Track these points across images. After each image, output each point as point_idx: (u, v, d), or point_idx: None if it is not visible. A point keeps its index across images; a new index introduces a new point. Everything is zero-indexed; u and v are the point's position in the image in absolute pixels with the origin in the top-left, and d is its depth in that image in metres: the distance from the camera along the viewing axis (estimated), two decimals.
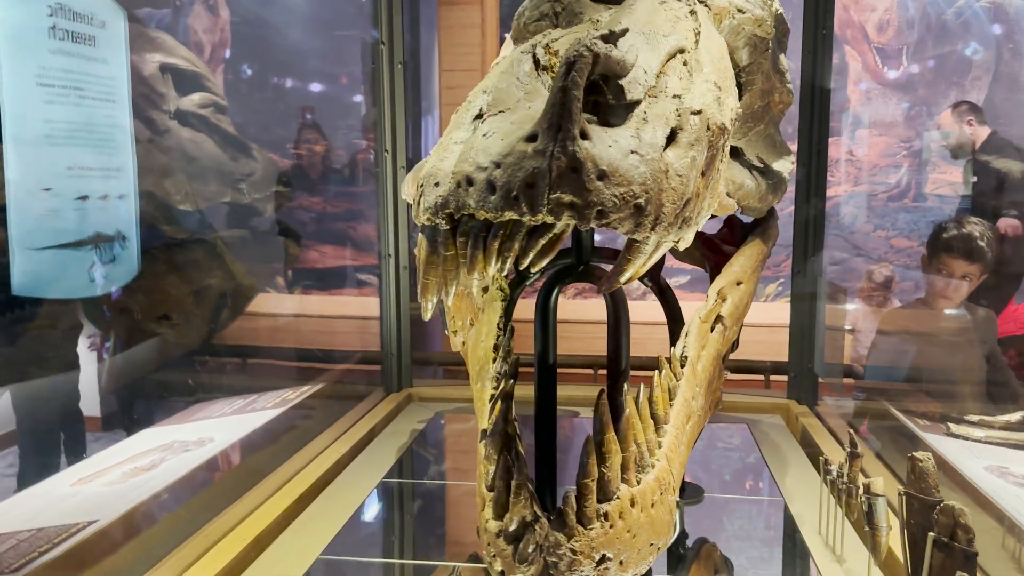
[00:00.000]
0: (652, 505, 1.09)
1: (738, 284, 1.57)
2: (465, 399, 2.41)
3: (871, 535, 1.20)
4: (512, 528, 1.01)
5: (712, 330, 1.49)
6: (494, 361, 1.42)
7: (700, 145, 0.91)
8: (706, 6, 1.36)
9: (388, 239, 2.37)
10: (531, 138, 0.81)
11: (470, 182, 0.85)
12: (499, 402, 1.20)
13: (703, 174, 0.93)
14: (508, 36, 1.64)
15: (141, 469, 1.63)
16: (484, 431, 1.26)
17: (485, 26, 4.76)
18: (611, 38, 0.84)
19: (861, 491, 1.22)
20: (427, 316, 1.04)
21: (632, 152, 0.83)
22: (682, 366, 1.37)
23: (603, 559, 1.01)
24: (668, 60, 0.95)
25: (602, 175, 0.81)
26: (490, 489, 1.08)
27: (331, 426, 2.09)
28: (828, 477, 1.42)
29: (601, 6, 1.32)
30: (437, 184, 0.89)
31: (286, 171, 2.20)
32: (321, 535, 1.49)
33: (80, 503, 1.46)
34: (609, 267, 1.41)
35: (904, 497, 1.02)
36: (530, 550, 1.00)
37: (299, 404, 2.09)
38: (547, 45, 0.97)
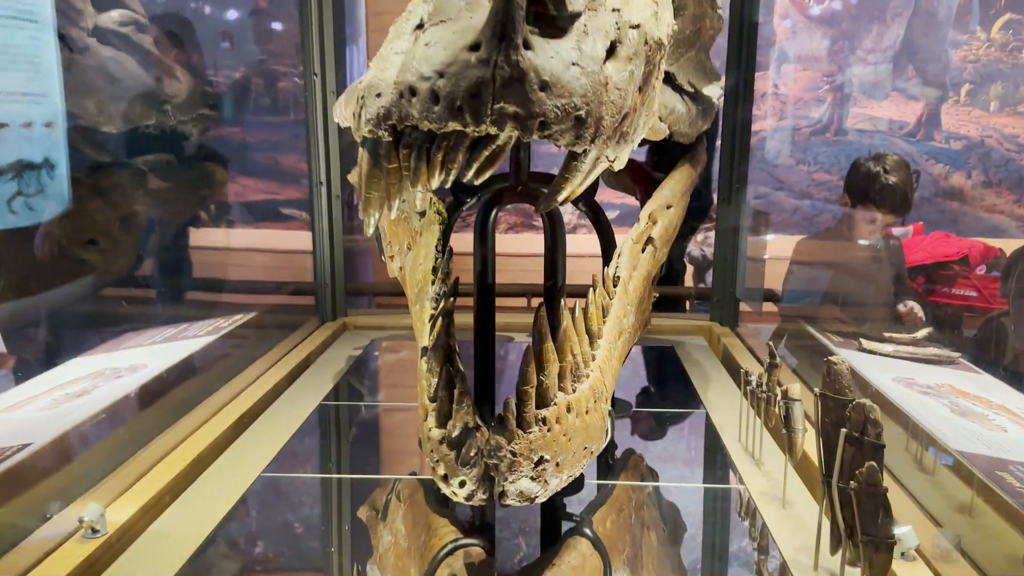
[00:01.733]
0: (586, 412, 1.15)
1: (668, 207, 1.62)
2: (401, 327, 2.43)
3: (788, 437, 1.28)
4: (455, 435, 1.05)
5: (643, 251, 1.55)
6: (433, 283, 1.44)
7: (638, 59, 0.93)
8: None
9: (319, 166, 2.34)
10: (474, 47, 0.82)
11: (413, 92, 0.85)
12: (440, 319, 1.23)
13: (640, 89, 0.96)
14: None
15: (73, 395, 1.60)
16: (425, 348, 1.29)
17: None
18: None
19: (779, 397, 1.29)
20: (369, 231, 1.05)
21: (573, 64, 0.85)
22: (615, 285, 1.43)
23: (541, 460, 1.06)
24: None
25: (544, 86, 0.83)
26: (432, 400, 1.11)
27: (266, 353, 2.09)
28: (748, 388, 1.50)
29: None
30: (379, 95, 0.89)
31: (212, 94, 2.14)
32: (262, 455, 1.51)
33: (11, 428, 1.43)
34: (547, 190, 1.44)
35: (820, 398, 1.09)
36: (472, 454, 1.04)
37: (232, 332, 2.08)
38: None
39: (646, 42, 0.95)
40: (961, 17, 4.82)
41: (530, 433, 1.04)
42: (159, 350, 1.92)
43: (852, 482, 0.99)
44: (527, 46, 0.82)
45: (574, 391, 1.13)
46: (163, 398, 1.72)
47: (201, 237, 2.31)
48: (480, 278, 1.36)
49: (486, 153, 0.87)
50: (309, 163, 2.36)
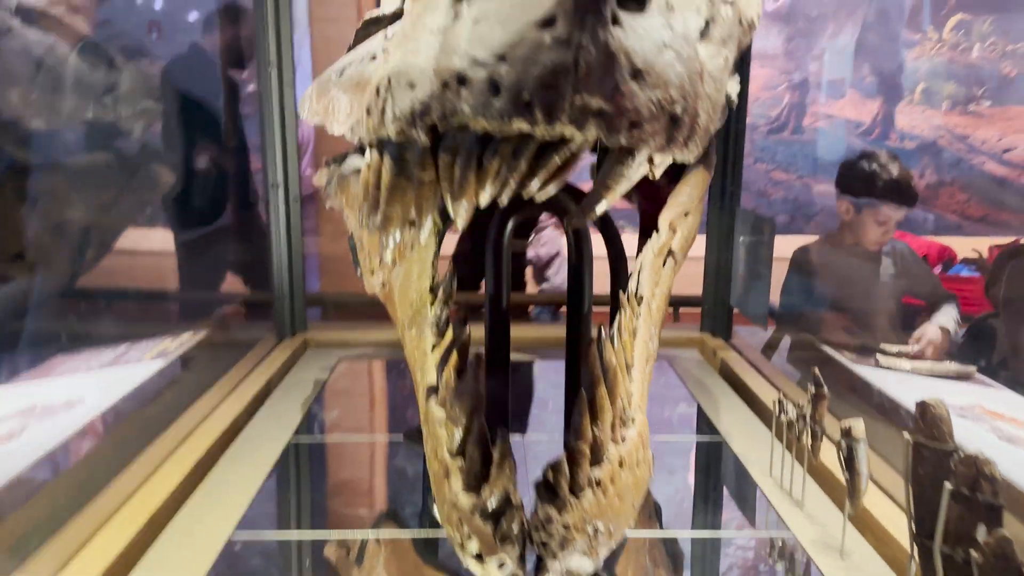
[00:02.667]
0: (637, 463, 0.97)
1: (686, 215, 1.45)
2: (367, 342, 2.22)
3: (850, 482, 1.13)
4: (494, 505, 0.85)
5: (664, 265, 1.38)
6: (432, 305, 1.25)
7: (732, 43, 0.76)
8: None
9: (276, 166, 2.11)
10: (547, 23, 0.63)
11: (463, 82, 0.66)
12: (456, 353, 1.03)
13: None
14: None
15: None
16: (432, 388, 1.09)
17: None
18: None
19: (840, 436, 1.14)
20: (388, 256, 0.86)
21: (666, 46, 0.67)
22: (639, 304, 1.26)
23: (594, 531, 0.88)
24: None
25: (637, 74, 0.64)
26: (458, 455, 0.92)
27: (220, 378, 1.84)
28: (784, 417, 1.34)
29: None
30: (412, 85, 0.70)
31: (156, 84, 1.88)
32: (230, 511, 1.29)
33: None
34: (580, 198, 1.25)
35: (912, 446, 0.94)
36: (515, 529, 0.85)
37: (181, 355, 1.84)
38: None
39: (740, 22, 0.77)
40: (914, 17, 4.81)
41: (584, 500, 0.86)
42: (98, 379, 1.67)
43: (973, 551, 0.84)
44: (615, 21, 0.63)
45: (623, 440, 0.96)
46: (105, 441, 1.48)
47: (143, 244, 2.05)
48: (494, 302, 1.17)
49: (557, 160, 0.69)
50: (264, 162, 2.13)
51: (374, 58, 1.45)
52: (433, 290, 1.27)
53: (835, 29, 4.83)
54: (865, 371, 1.74)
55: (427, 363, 1.18)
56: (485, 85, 0.65)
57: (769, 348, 2.29)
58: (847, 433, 1.13)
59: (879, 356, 1.79)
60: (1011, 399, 1.67)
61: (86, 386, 1.60)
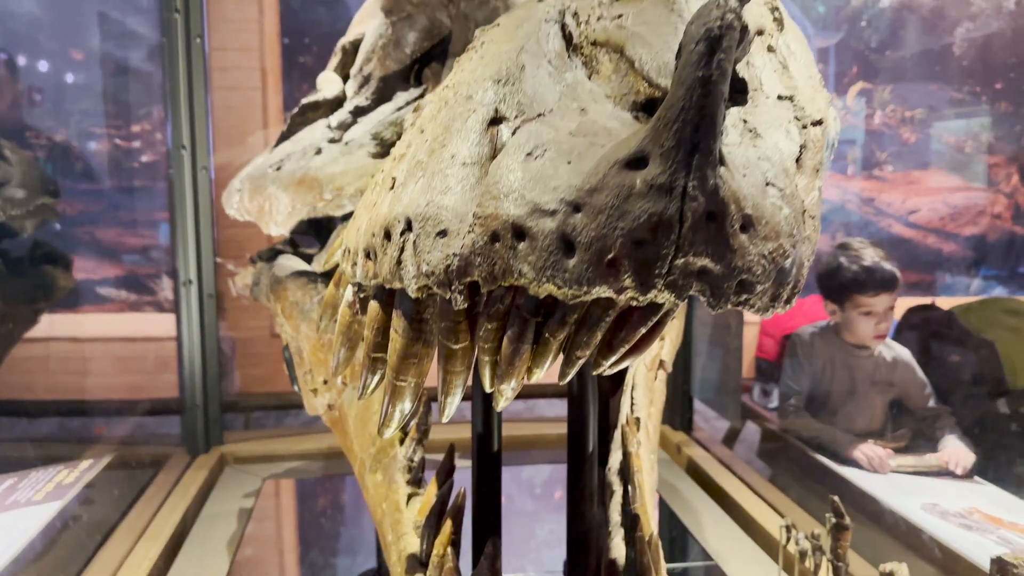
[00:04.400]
0: None
1: (673, 318, 1.32)
2: (292, 455, 1.97)
3: None
4: None
5: (656, 379, 1.24)
6: (402, 443, 1.06)
7: (823, 171, 0.63)
8: None
9: (188, 262, 1.88)
10: (636, 162, 0.48)
11: (520, 235, 0.50)
12: (450, 521, 0.84)
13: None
14: None
15: None
16: (416, 560, 0.90)
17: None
18: None
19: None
20: (390, 431, 0.67)
21: (768, 184, 0.53)
22: (637, 429, 1.12)
23: None
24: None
25: (747, 224, 0.50)
26: None
27: (127, 514, 1.58)
28: (797, 548, 1.21)
29: None
30: (444, 233, 0.53)
31: (52, 177, 1.63)
32: None
33: None
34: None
35: None
36: None
37: (82, 487, 1.56)
38: (576, 12, 0.62)
39: (829, 146, 0.64)
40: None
41: None
42: None
43: None
44: (721, 160, 0.49)
45: None
46: None
47: (32, 352, 1.77)
48: (482, 444, 0.99)
49: (643, 331, 0.53)
50: (174, 256, 1.89)
51: (319, 152, 1.28)
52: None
53: None
54: (849, 472, 1.64)
55: (402, 523, 0.99)
56: (553, 240, 0.49)
57: (730, 438, 2.17)
58: None
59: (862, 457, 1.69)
60: (998, 497, 1.60)
61: None
